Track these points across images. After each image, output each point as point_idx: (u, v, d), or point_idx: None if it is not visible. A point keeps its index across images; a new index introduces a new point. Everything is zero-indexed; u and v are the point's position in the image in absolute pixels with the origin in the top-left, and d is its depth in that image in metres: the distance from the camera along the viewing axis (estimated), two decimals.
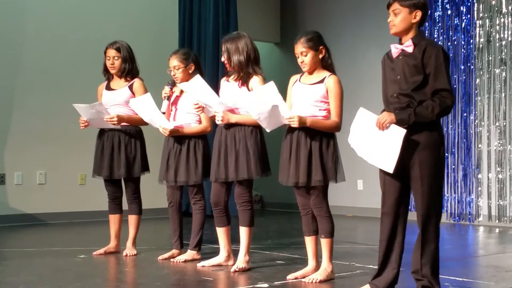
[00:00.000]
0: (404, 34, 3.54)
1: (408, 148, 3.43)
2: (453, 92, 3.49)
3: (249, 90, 4.50)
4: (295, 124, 4.03)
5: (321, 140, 4.10)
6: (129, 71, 5.23)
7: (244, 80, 4.52)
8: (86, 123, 5.20)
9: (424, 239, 3.48)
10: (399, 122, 3.42)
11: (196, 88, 4.56)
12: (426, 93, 3.44)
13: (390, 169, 3.45)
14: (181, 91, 5.00)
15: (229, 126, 4.53)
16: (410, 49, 3.50)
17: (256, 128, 4.53)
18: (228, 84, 4.62)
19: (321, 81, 4.14)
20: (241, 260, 4.51)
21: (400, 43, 3.57)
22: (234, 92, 4.54)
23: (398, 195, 3.55)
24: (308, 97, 4.14)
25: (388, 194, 3.57)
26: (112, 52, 5.21)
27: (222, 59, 4.61)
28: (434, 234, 3.50)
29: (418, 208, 3.49)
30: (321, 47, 4.16)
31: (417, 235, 3.53)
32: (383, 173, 3.57)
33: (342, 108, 4.12)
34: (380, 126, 3.46)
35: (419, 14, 3.51)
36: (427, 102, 3.41)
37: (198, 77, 4.61)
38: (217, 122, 4.55)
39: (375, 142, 3.50)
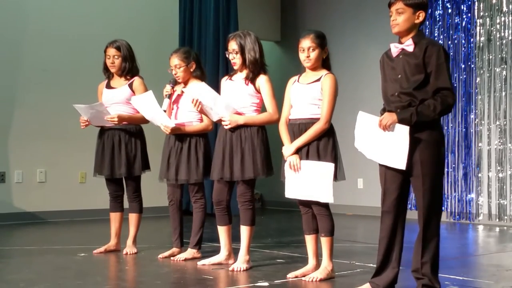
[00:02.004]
0: (406, 33, 3.54)
1: (410, 146, 3.44)
2: (454, 90, 3.50)
3: (256, 88, 4.50)
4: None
5: (319, 139, 4.11)
6: (129, 70, 5.23)
7: (253, 78, 4.51)
8: (87, 123, 5.20)
9: (425, 237, 3.49)
10: (401, 122, 3.43)
11: (203, 94, 4.55)
12: (428, 92, 3.44)
13: (402, 166, 3.46)
14: (182, 90, 4.99)
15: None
16: (410, 48, 3.50)
17: (262, 127, 4.54)
18: (232, 83, 4.61)
19: (318, 79, 4.16)
20: (241, 259, 4.51)
21: (400, 42, 3.58)
22: (240, 91, 4.54)
23: (398, 193, 3.56)
24: (306, 96, 4.16)
25: (389, 192, 3.57)
26: (112, 51, 5.21)
27: (231, 57, 4.57)
28: (435, 232, 3.51)
29: (420, 206, 3.50)
30: (326, 47, 4.21)
31: (418, 234, 3.53)
32: (384, 171, 3.58)
33: (333, 107, 4.13)
34: (383, 128, 3.47)
35: (422, 14, 3.52)
36: (429, 101, 3.41)
37: (203, 84, 4.61)
38: (226, 127, 4.54)
39: (381, 143, 3.52)
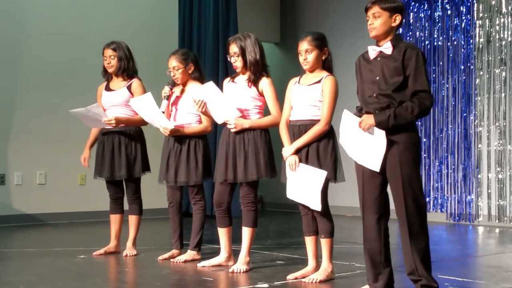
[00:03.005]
0: (384, 37, 3.58)
1: (387, 148, 3.46)
2: (431, 93, 3.54)
3: (258, 91, 4.51)
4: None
5: (319, 141, 4.11)
6: (125, 69, 5.23)
7: (255, 80, 4.51)
8: (87, 162, 5.37)
9: (413, 238, 3.48)
10: (378, 124, 3.45)
11: (209, 94, 4.55)
12: (406, 95, 3.48)
13: (377, 168, 3.50)
14: (181, 91, 5.00)
15: None
16: (389, 51, 3.55)
17: (265, 130, 4.55)
18: (235, 85, 4.62)
19: (319, 81, 4.16)
20: (241, 261, 4.51)
21: (377, 45, 3.61)
22: (243, 93, 4.54)
23: (378, 194, 3.57)
24: (306, 98, 4.17)
25: (368, 193, 3.58)
26: (108, 52, 5.22)
27: (232, 60, 4.58)
28: (422, 231, 3.50)
29: (401, 208, 3.49)
30: (325, 48, 4.21)
31: (402, 237, 3.51)
32: (361, 173, 3.59)
33: (333, 109, 4.14)
34: (362, 129, 3.50)
35: (398, 18, 3.58)
36: (407, 103, 3.45)
37: (211, 83, 4.61)
38: (232, 130, 4.54)
39: (360, 143, 3.55)
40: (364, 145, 3.52)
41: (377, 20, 3.56)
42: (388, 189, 3.59)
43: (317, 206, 4.07)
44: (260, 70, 4.52)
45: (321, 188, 4.04)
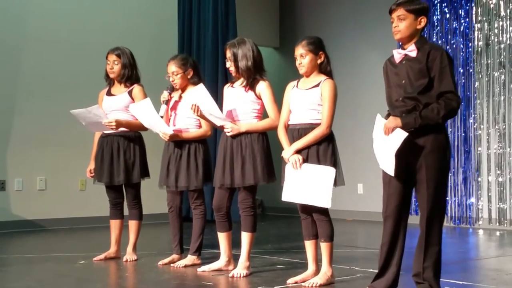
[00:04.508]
0: (408, 39, 3.55)
1: (414, 151, 3.45)
2: (458, 94, 3.51)
3: (256, 95, 4.52)
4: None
5: (319, 144, 4.11)
6: (129, 77, 5.24)
7: (252, 85, 4.52)
8: (92, 173, 5.32)
9: (428, 242, 3.49)
10: (405, 126, 3.44)
11: (200, 97, 4.56)
12: (432, 96, 3.45)
13: (392, 172, 3.48)
14: (180, 96, 5.01)
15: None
16: (413, 54, 3.52)
17: (263, 134, 4.55)
18: (234, 90, 4.63)
19: (317, 85, 4.16)
20: (241, 266, 4.51)
21: (402, 48, 3.59)
22: (241, 98, 4.55)
23: (401, 199, 3.56)
24: (305, 102, 4.16)
25: (392, 198, 3.57)
26: (112, 57, 5.23)
27: (228, 65, 4.61)
28: (438, 237, 3.51)
29: (423, 211, 3.50)
30: (320, 52, 4.19)
31: (419, 239, 3.53)
32: (388, 177, 3.58)
33: (333, 112, 4.13)
34: (386, 131, 3.48)
35: (424, 20, 3.53)
36: (433, 104, 3.42)
37: (201, 86, 4.61)
38: (228, 134, 4.55)
39: (383, 147, 3.53)
40: (384, 149, 3.51)
41: (402, 23, 3.52)
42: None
43: (326, 203, 4.03)
44: (252, 75, 4.53)
45: (332, 184, 4.02)
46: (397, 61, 3.59)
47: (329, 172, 4.04)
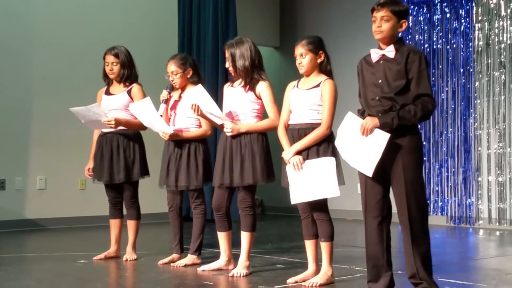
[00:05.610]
0: (388, 40, 3.59)
1: (391, 151, 3.47)
2: (434, 97, 3.56)
3: (256, 95, 4.52)
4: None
5: (319, 144, 4.11)
6: (128, 76, 5.24)
7: (251, 85, 4.52)
8: (91, 172, 5.32)
9: (415, 241, 3.50)
10: (382, 126, 3.46)
11: (199, 97, 4.56)
12: (408, 97, 3.50)
13: (370, 173, 3.50)
14: (180, 96, 5.01)
15: None
16: (391, 55, 3.56)
17: (262, 133, 4.54)
18: (233, 90, 4.62)
19: (317, 85, 4.16)
20: (241, 265, 4.51)
21: (380, 48, 3.61)
22: (240, 98, 4.55)
23: (380, 198, 3.57)
24: (305, 102, 4.16)
25: (370, 197, 3.59)
26: (110, 58, 5.22)
27: (227, 65, 4.61)
28: (423, 235, 3.52)
29: (403, 211, 3.50)
30: (320, 51, 4.19)
31: (404, 241, 3.53)
32: (364, 176, 3.59)
33: (333, 113, 4.13)
34: (363, 131, 3.50)
35: (405, 23, 3.61)
36: (409, 106, 3.47)
37: (199, 87, 4.61)
38: (228, 134, 4.55)
39: (358, 146, 3.55)
40: (361, 148, 3.52)
41: (386, 24, 3.55)
42: (390, 192, 3.59)
43: (335, 192, 4.01)
44: (250, 75, 4.53)
45: (335, 173, 4.01)
46: (374, 60, 3.62)
47: (330, 162, 4.03)
